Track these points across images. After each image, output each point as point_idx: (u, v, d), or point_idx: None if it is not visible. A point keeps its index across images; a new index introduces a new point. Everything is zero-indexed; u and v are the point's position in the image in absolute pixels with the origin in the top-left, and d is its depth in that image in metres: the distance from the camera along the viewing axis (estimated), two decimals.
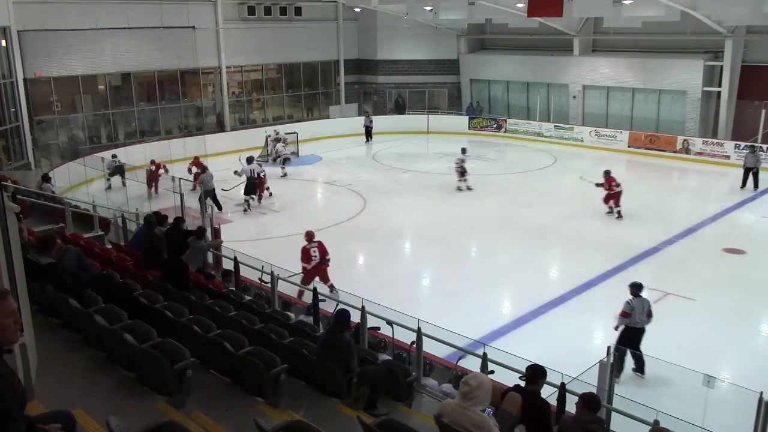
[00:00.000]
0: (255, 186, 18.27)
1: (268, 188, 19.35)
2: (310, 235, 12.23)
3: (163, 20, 24.58)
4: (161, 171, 19.13)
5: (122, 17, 23.69)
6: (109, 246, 11.44)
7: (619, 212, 16.89)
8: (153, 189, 18.84)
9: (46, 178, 16.34)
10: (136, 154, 21.49)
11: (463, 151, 20.61)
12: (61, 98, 23.43)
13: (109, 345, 6.11)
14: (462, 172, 20.08)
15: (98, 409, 4.84)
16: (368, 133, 28.64)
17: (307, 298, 10.43)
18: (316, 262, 11.92)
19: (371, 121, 28.87)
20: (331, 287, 11.99)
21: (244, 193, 18.21)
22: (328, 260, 12.08)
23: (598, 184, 17.13)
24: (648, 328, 10.92)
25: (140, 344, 5.64)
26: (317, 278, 11.82)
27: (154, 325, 6.17)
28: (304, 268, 11.87)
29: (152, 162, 19.95)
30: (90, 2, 22.82)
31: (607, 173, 17.14)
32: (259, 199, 18.77)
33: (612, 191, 16.99)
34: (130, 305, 6.82)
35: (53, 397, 4.98)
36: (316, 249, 12.00)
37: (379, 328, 8.51)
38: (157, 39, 24.74)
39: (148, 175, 18.82)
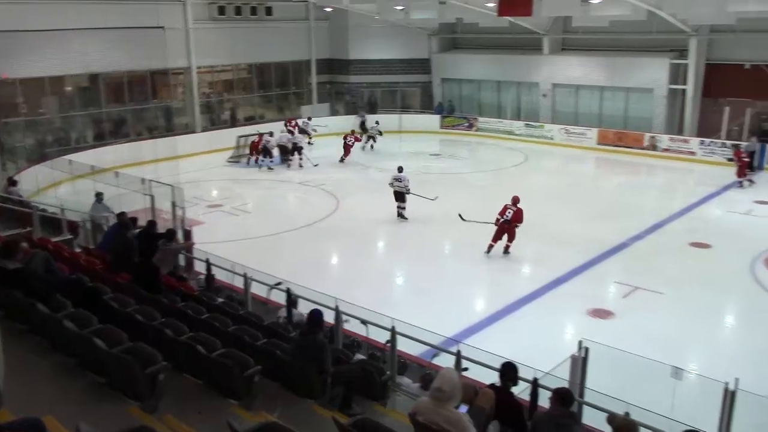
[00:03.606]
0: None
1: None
2: (514, 199, 14.28)
3: (131, 20, 24.22)
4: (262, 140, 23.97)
5: (89, 17, 23.25)
6: (78, 250, 11.27)
7: (750, 180, 20.31)
8: (255, 157, 23.89)
9: (12, 182, 16.02)
10: (106, 156, 21.20)
11: None
12: (28, 100, 22.97)
13: (79, 350, 6.03)
14: None
15: (69, 415, 4.77)
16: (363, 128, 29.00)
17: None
18: (504, 219, 14.06)
19: (364, 116, 29.34)
20: (506, 248, 14.31)
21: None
22: (516, 225, 14.07)
23: (729, 159, 21.24)
24: (618, 322, 11.17)
25: (111, 349, 5.57)
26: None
27: (124, 329, 6.10)
28: (497, 220, 14.21)
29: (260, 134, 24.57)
30: (56, 2, 22.37)
31: (736, 146, 21.29)
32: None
33: (741, 162, 20.29)
34: (100, 309, 6.73)
35: (22, 404, 4.90)
36: (511, 211, 14.03)
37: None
38: (126, 39, 24.33)
39: (251, 144, 24.21)
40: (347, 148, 24.46)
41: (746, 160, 20.52)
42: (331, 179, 21.75)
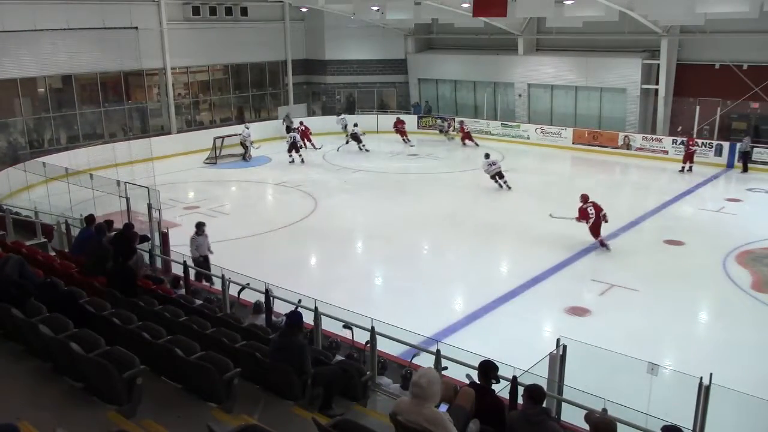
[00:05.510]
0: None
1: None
2: (584, 198, 14.73)
3: (104, 21, 23.90)
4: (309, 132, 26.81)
5: (62, 18, 22.89)
6: (53, 253, 11.11)
7: (690, 168, 21.93)
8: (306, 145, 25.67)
9: None
10: (81, 158, 20.90)
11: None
12: (0, 102, 22.56)
13: (54, 355, 5.95)
14: None
15: (45, 421, 4.72)
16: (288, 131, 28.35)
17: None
18: (593, 219, 14.38)
19: (291, 121, 28.59)
20: (602, 243, 14.49)
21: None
22: (604, 215, 14.39)
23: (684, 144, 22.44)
24: (595, 319, 11.30)
25: (87, 353, 5.50)
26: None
27: (101, 333, 6.02)
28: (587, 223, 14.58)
29: (301, 123, 27.17)
30: (28, 3, 22.00)
31: (689, 134, 22.55)
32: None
33: (688, 151, 21.98)
34: (76, 313, 6.65)
35: None
36: (591, 207, 14.42)
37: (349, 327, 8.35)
38: (99, 40, 24.02)
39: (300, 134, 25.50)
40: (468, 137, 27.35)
41: (693, 149, 22.24)
42: (308, 180, 21.70)
